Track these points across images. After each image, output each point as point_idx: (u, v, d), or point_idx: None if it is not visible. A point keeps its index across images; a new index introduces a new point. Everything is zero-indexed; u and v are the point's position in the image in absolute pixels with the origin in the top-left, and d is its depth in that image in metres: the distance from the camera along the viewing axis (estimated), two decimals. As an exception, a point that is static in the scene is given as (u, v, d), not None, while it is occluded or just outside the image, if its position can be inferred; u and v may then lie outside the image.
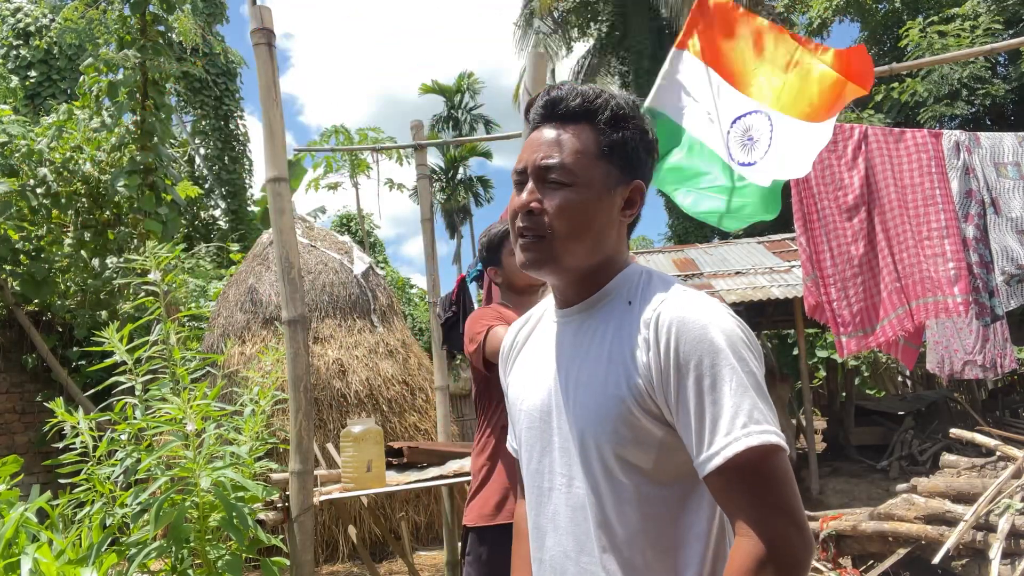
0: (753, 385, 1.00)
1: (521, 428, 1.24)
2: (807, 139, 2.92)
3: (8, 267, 7.13)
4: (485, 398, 2.37)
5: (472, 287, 3.95)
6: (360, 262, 7.80)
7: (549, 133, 1.15)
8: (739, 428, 0.97)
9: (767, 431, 0.97)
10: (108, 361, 2.79)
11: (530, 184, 1.15)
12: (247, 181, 16.60)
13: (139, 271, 2.99)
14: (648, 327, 1.05)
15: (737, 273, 9.37)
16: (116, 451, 2.68)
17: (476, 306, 3.48)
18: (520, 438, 1.25)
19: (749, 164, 3.02)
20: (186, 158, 15.27)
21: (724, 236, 16.59)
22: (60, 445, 2.80)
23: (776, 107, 3.01)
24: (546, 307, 1.29)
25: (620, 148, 1.14)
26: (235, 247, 12.63)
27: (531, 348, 1.28)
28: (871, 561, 4.30)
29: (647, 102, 3.16)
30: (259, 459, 3.01)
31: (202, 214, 15.82)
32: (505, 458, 2.27)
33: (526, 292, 2.41)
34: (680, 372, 1.01)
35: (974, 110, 11.41)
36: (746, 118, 3.05)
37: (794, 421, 10.37)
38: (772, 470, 0.97)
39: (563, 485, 1.14)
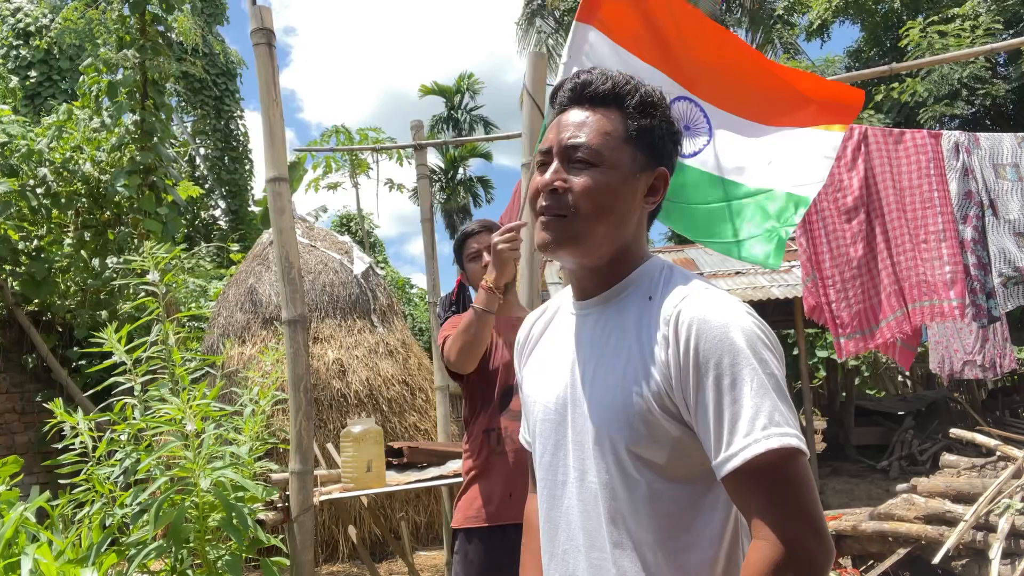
0: (774, 386, 0.98)
1: (535, 421, 1.22)
2: (781, 144, 2.63)
3: (8, 267, 7.13)
4: (468, 402, 2.39)
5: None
6: (360, 262, 7.80)
7: (577, 115, 1.15)
8: (759, 430, 0.95)
9: (787, 434, 0.96)
10: (108, 362, 2.78)
11: (555, 164, 1.14)
12: (248, 181, 16.62)
13: (139, 271, 2.99)
14: (668, 324, 1.04)
15: (737, 273, 9.36)
16: (116, 451, 2.68)
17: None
18: (534, 431, 1.23)
19: (692, 155, 2.70)
20: (186, 158, 15.27)
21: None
22: (60, 445, 2.80)
23: (713, 101, 2.68)
24: (563, 299, 1.28)
25: (647, 134, 1.14)
26: (235, 247, 12.65)
27: (547, 341, 1.26)
28: (871, 561, 4.30)
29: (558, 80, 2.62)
30: (259, 459, 3.00)
31: (202, 214, 15.83)
32: (490, 460, 2.29)
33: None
34: (699, 372, 1.00)
35: (974, 110, 11.41)
36: (676, 104, 2.68)
37: (794, 421, 10.37)
38: (792, 473, 0.96)
39: (576, 479, 1.13)
